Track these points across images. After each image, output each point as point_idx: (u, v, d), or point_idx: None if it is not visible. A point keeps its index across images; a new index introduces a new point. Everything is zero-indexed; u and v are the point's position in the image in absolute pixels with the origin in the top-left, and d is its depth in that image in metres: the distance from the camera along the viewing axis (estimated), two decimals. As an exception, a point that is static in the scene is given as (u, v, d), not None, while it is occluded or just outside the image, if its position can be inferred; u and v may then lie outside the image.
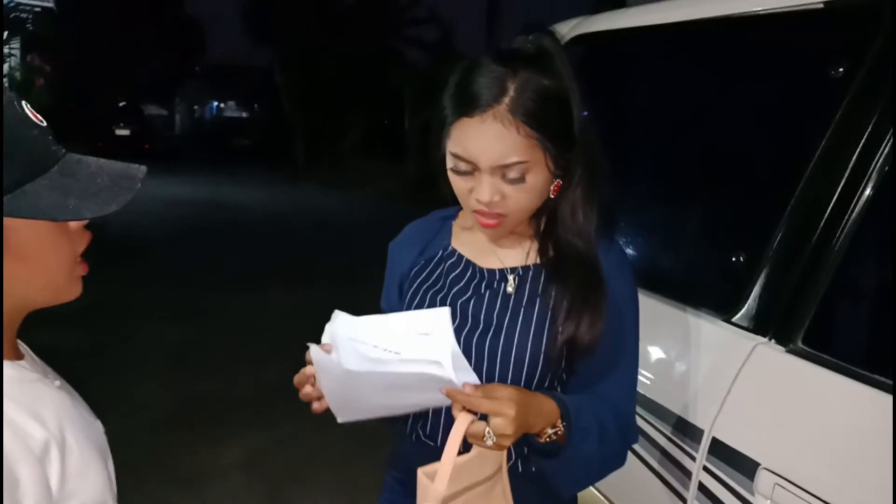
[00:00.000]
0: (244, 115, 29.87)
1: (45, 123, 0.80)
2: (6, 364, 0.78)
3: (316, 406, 1.06)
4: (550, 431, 1.03)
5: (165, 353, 4.62)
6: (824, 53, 1.22)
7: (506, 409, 0.94)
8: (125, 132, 19.48)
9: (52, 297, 0.83)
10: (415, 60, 18.88)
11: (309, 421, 3.60)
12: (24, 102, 0.78)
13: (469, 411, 0.96)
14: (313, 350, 0.96)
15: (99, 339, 4.72)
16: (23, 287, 0.79)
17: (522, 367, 1.11)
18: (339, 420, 1.06)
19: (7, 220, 0.75)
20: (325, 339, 1.01)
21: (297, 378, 1.07)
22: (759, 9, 1.30)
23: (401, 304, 1.25)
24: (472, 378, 0.95)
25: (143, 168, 0.87)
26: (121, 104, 21.62)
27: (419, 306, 1.19)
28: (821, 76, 1.20)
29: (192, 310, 5.60)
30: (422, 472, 0.98)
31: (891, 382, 0.99)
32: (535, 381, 1.12)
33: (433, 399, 0.98)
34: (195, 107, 29.81)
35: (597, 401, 1.09)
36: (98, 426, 0.91)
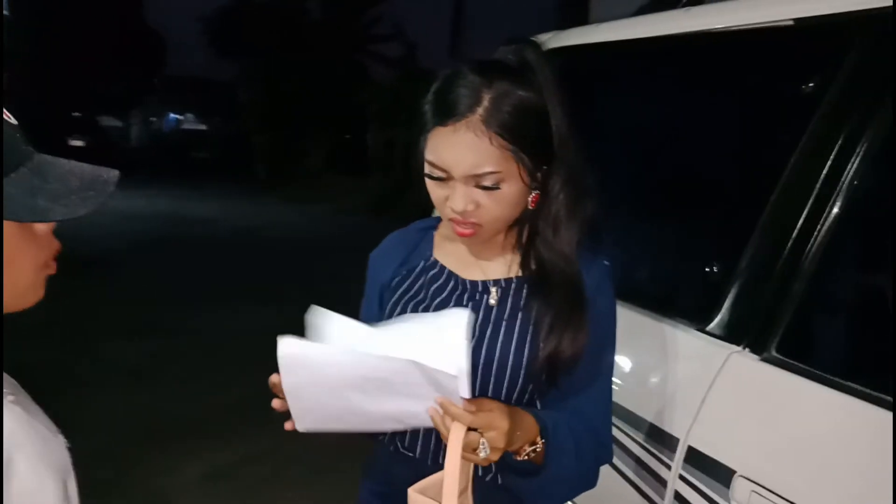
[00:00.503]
0: (203, 127, 29.47)
1: (14, 121, 0.77)
2: None
3: (288, 425, 1.03)
4: (529, 449, 1.02)
5: (129, 370, 4.50)
6: (795, 69, 1.25)
7: (499, 423, 0.94)
8: (79, 143, 19.02)
9: (11, 304, 0.79)
10: (379, 76, 18.92)
11: (277, 436, 3.55)
12: None
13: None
14: (283, 344, 0.91)
15: (60, 356, 4.57)
16: None
17: (503, 379, 1.10)
18: (299, 427, 1.01)
19: None
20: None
21: (271, 383, 1.04)
22: (732, 25, 1.33)
23: (381, 315, 1.23)
24: (467, 390, 0.93)
25: (116, 172, 0.83)
26: (75, 115, 21.13)
27: (400, 316, 1.18)
28: (793, 91, 1.23)
29: (155, 326, 5.47)
30: (414, 492, 0.96)
31: (863, 389, 1.02)
32: (514, 395, 1.11)
33: (414, 412, 0.95)
34: (152, 118, 29.31)
35: (571, 418, 1.09)
36: (60, 442, 0.85)
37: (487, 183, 1.02)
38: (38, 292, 0.81)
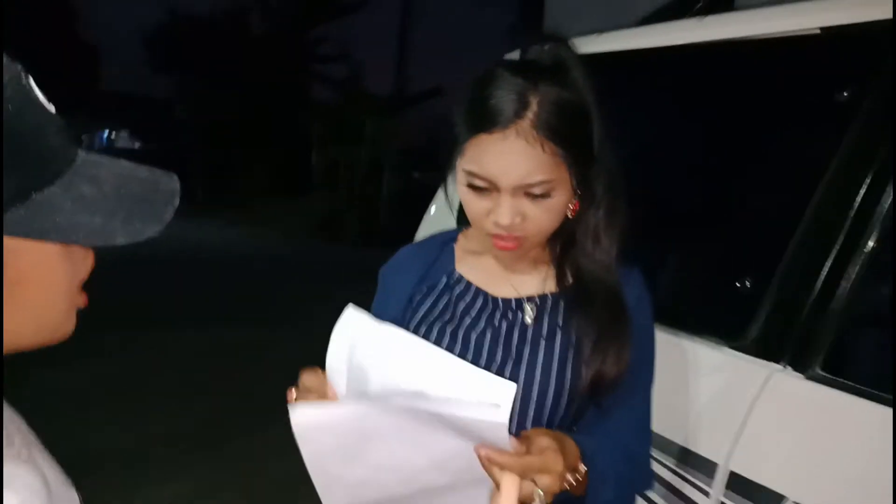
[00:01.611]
0: (137, 145, 28.56)
1: (53, 109, 0.61)
2: None
3: None
4: (570, 477, 0.93)
5: (66, 396, 4.20)
6: (827, 78, 1.22)
7: (554, 465, 0.83)
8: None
9: (46, 338, 0.64)
10: (323, 96, 18.75)
11: (227, 468, 3.36)
12: (30, 78, 0.58)
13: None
14: (296, 413, 0.79)
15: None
16: (13, 326, 0.59)
17: (545, 403, 1.01)
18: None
19: (7, 241, 0.55)
20: (335, 349, 0.85)
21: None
22: (759, 33, 1.30)
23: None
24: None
25: (175, 176, 0.69)
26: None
27: (426, 339, 1.07)
28: (825, 100, 1.20)
29: (93, 350, 5.15)
30: None
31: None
32: (556, 419, 1.03)
33: (459, 451, 0.83)
34: (83, 136, 28.20)
35: (607, 442, 1.00)
36: (73, 497, 0.70)
37: (537, 192, 0.94)
38: (72, 322, 0.67)
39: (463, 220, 1.23)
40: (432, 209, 2.14)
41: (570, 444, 0.93)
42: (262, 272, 9.42)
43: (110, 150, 29.95)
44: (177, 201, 0.66)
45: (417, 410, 0.77)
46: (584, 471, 0.93)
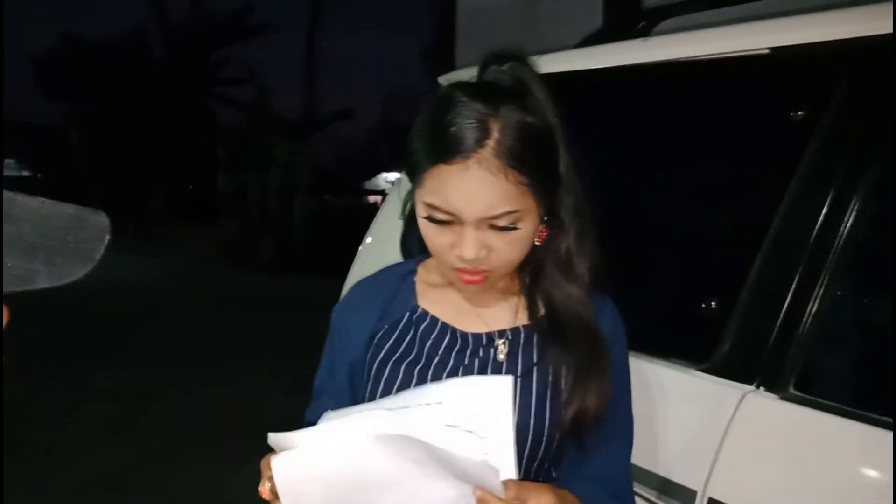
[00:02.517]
0: (25, 174, 26.93)
1: None
2: None
3: None
4: None
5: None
6: (781, 97, 1.23)
7: None
8: None
9: None
10: (228, 120, 18.25)
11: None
12: None
13: None
14: (278, 461, 0.77)
15: None
16: None
17: (525, 445, 0.94)
18: None
19: None
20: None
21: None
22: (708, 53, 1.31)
23: (358, 384, 1.04)
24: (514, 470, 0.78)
25: (103, 213, 0.61)
26: None
27: (390, 382, 0.99)
28: (781, 119, 1.21)
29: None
30: None
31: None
32: (536, 462, 0.97)
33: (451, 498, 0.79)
34: (-37, 165, 26.34)
35: (594, 490, 0.96)
36: None
37: (502, 223, 0.88)
38: None
39: (409, 250, 1.16)
40: (368, 239, 2.04)
41: (570, 499, 0.89)
42: (172, 302, 8.97)
43: (-5, 179, 28.23)
44: (107, 238, 0.59)
45: (413, 448, 0.73)
46: None
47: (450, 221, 0.90)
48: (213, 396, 4.71)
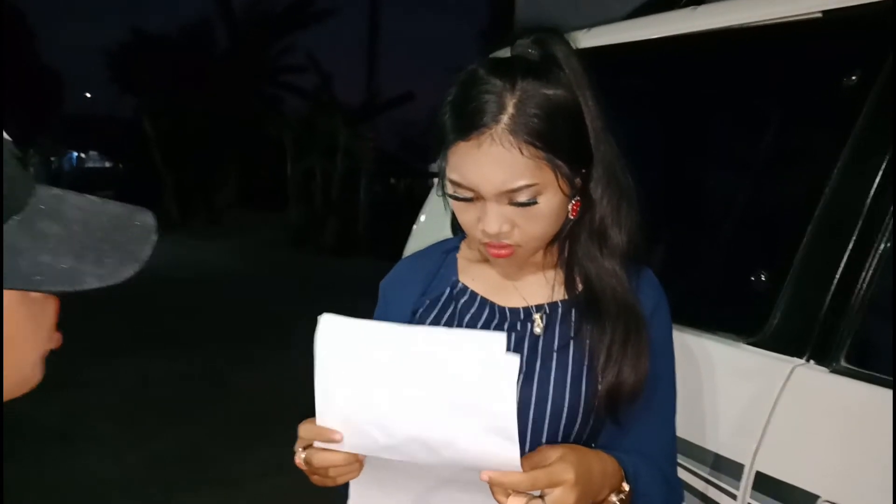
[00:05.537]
0: (107, 165, 28.21)
1: (10, 138, 0.54)
2: None
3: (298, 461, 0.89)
4: (615, 499, 0.89)
5: (46, 430, 4.08)
6: (832, 64, 1.19)
7: (563, 475, 0.79)
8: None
9: (11, 395, 0.58)
10: (293, 107, 18.58)
11: (211, 494, 3.26)
12: None
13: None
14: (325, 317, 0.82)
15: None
16: None
17: (560, 420, 0.96)
18: (318, 422, 0.84)
19: None
20: (322, 360, 0.82)
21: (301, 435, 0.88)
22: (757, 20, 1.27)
23: None
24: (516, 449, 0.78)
25: (150, 214, 0.62)
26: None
27: None
28: (833, 87, 1.17)
29: (66, 380, 5.02)
30: None
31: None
32: (572, 437, 0.97)
33: (455, 443, 0.80)
34: (52, 158, 27.75)
35: (641, 461, 0.96)
36: None
37: (523, 198, 0.89)
38: (40, 370, 0.61)
39: (458, 228, 1.18)
40: (422, 218, 2.08)
41: (609, 462, 0.89)
42: (242, 287, 9.27)
43: (81, 170, 29.57)
44: (155, 238, 0.60)
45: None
46: (627, 490, 0.90)
47: (472, 198, 0.92)
48: (290, 371, 4.88)
